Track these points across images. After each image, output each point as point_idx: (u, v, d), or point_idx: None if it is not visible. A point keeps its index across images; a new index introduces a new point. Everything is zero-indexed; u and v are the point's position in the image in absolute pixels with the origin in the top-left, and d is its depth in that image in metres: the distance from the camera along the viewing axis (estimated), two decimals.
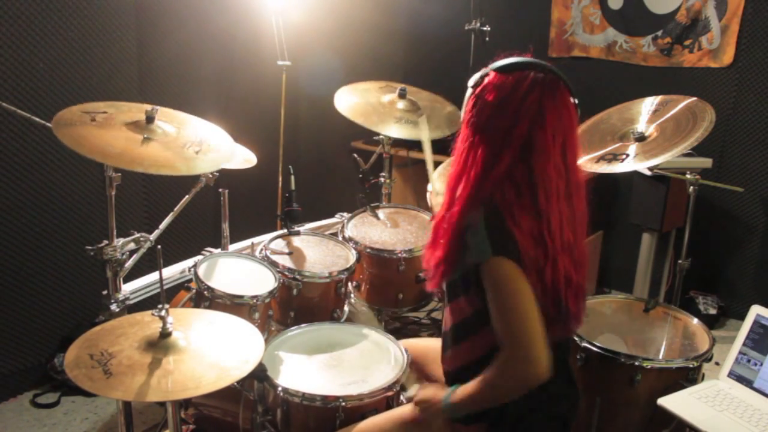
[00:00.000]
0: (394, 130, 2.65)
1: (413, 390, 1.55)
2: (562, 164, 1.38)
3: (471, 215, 1.38)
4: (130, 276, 1.97)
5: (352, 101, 2.74)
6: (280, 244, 2.41)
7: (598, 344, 1.90)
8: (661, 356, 1.93)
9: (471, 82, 1.43)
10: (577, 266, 1.42)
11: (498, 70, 1.40)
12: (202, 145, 1.78)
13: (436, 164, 2.62)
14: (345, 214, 2.75)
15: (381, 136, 2.87)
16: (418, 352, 1.87)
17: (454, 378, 1.54)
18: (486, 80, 1.40)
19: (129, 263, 1.83)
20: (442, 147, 2.79)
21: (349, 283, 2.40)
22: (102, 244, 1.77)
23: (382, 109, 2.74)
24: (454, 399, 1.43)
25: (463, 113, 1.43)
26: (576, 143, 1.41)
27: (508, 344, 1.33)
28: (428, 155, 2.06)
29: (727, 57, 3.36)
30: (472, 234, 1.36)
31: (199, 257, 2.19)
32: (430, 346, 1.90)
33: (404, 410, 1.60)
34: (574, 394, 1.56)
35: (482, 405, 1.42)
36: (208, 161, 1.76)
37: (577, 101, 1.42)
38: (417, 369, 1.84)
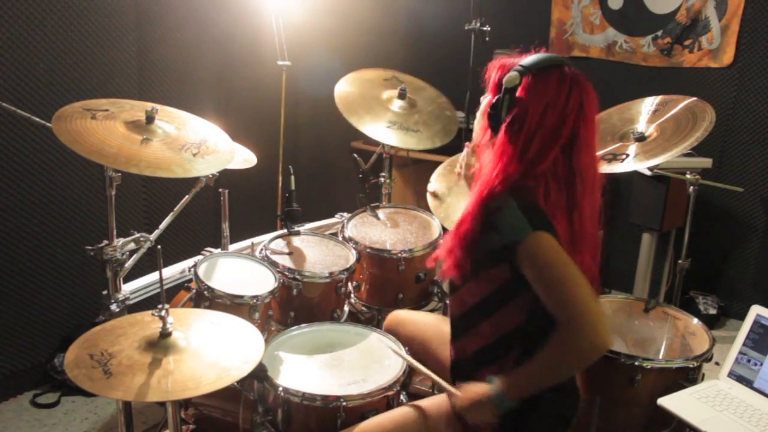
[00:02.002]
0: (384, 135, 2.64)
1: (455, 399, 1.47)
2: (595, 154, 1.42)
3: (498, 199, 1.37)
4: (130, 276, 1.97)
5: (350, 94, 2.72)
6: (280, 244, 2.41)
7: None
8: (661, 356, 1.93)
9: (507, 82, 1.39)
10: (593, 254, 1.45)
11: (533, 70, 1.38)
12: (200, 147, 1.78)
13: (435, 165, 2.62)
14: (345, 214, 2.75)
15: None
16: (417, 329, 1.86)
17: (469, 363, 1.54)
18: (524, 82, 1.38)
19: (129, 263, 1.83)
20: (441, 148, 2.80)
21: (349, 283, 2.40)
22: (102, 244, 1.77)
23: (378, 107, 2.73)
24: (503, 388, 1.37)
25: (504, 115, 1.40)
26: (596, 135, 1.44)
27: (567, 317, 1.30)
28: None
29: (727, 57, 3.36)
30: (502, 216, 1.35)
31: (199, 257, 2.19)
32: (431, 323, 1.89)
33: (405, 409, 1.60)
34: (576, 392, 1.57)
35: (540, 385, 1.38)
36: (206, 164, 1.75)
37: None
38: (416, 348, 1.83)
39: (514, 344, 1.45)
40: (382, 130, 2.64)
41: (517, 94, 1.38)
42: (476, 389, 1.43)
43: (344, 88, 2.72)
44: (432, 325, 1.89)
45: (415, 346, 1.84)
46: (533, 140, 1.36)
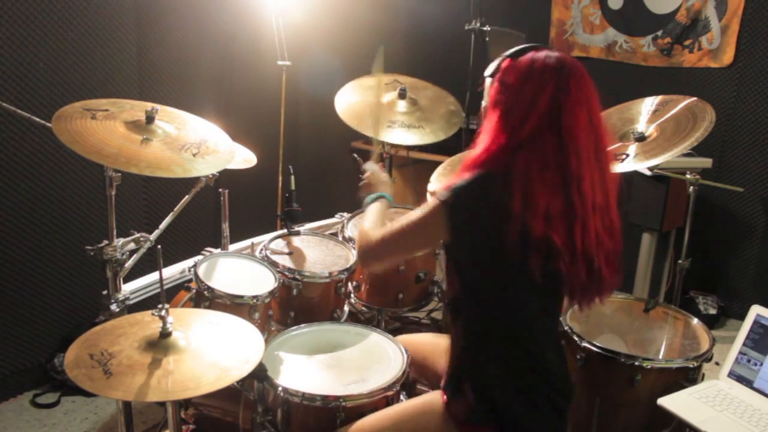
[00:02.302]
0: (387, 135, 2.64)
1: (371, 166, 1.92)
2: (591, 130, 1.41)
3: (474, 165, 1.42)
4: (130, 276, 1.97)
5: (352, 101, 2.72)
6: (280, 244, 2.41)
7: (598, 344, 1.90)
8: (661, 356, 1.93)
9: (488, 72, 1.47)
10: (609, 231, 1.44)
11: (512, 55, 1.44)
12: (200, 147, 1.78)
13: (435, 164, 2.62)
14: (345, 214, 2.75)
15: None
16: (415, 348, 1.88)
17: (459, 353, 1.56)
18: (503, 65, 1.44)
19: (129, 263, 1.83)
20: (441, 147, 2.80)
21: (349, 283, 2.40)
22: (102, 244, 1.77)
23: (379, 110, 2.73)
24: (367, 210, 1.74)
25: (485, 102, 1.48)
26: (600, 114, 1.44)
27: (381, 235, 1.54)
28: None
29: (727, 57, 3.36)
30: (461, 179, 1.41)
31: (199, 257, 2.19)
32: (428, 341, 1.92)
33: (402, 407, 1.61)
34: (568, 385, 1.58)
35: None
36: (206, 164, 1.75)
37: None
38: (416, 364, 1.85)
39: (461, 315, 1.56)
40: (386, 130, 2.64)
41: (497, 77, 1.44)
42: (376, 182, 1.86)
43: (346, 99, 2.72)
44: (428, 342, 1.93)
45: (415, 365, 1.86)
46: (513, 110, 1.39)
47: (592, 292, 1.48)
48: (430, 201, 1.45)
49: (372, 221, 1.68)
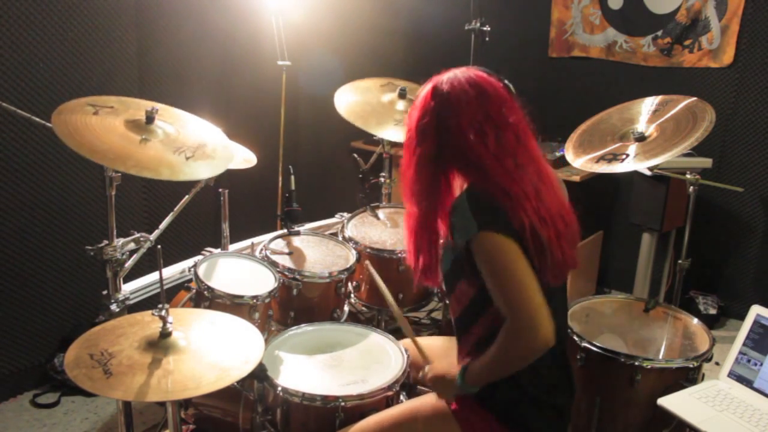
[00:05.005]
0: (393, 133, 2.64)
1: (426, 368, 1.60)
2: (494, 140, 1.41)
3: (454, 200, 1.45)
4: (130, 276, 1.97)
5: (352, 101, 2.73)
6: (280, 244, 2.41)
7: (598, 344, 1.90)
8: (661, 356, 1.93)
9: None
10: (562, 220, 1.46)
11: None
12: (195, 151, 1.77)
13: None
14: (345, 214, 2.75)
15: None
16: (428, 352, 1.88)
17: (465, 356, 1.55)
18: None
19: (129, 263, 1.83)
20: None
21: (349, 283, 2.40)
22: (102, 244, 1.77)
23: (381, 109, 2.73)
24: (467, 376, 1.47)
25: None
26: (504, 118, 1.44)
27: (510, 315, 1.35)
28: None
29: (727, 57, 3.36)
30: (456, 215, 1.42)
31: (199, 257, 2.19)
32: (431, 345, 1.91)
33: (403, 408, 1.61)
34: (571, 385, 1.58)
35: (494, 377, 1.45)
36: (197, 168, 1.73)
37: (507, 82, 1.49)
38: (418, 369, 1.85)
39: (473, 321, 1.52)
40: (392, 128, 2.64)
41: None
42: (446, 367, 1.54)
43: (346, 98, 2.72)
44: (440, 347, 1.89)
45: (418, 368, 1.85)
46: (421, 144, 1.48)
47: (552, 270, 1.44)
48: (487, 247, 1.36)
49: (492, 353, 1.41)
